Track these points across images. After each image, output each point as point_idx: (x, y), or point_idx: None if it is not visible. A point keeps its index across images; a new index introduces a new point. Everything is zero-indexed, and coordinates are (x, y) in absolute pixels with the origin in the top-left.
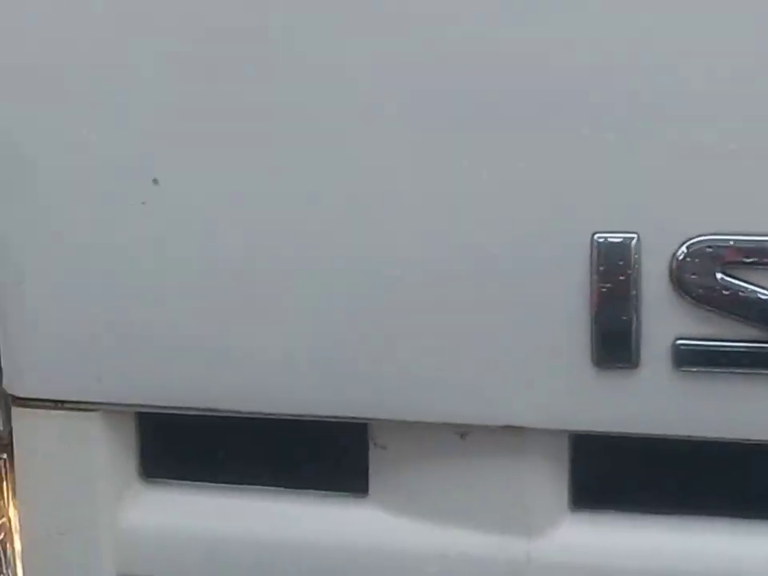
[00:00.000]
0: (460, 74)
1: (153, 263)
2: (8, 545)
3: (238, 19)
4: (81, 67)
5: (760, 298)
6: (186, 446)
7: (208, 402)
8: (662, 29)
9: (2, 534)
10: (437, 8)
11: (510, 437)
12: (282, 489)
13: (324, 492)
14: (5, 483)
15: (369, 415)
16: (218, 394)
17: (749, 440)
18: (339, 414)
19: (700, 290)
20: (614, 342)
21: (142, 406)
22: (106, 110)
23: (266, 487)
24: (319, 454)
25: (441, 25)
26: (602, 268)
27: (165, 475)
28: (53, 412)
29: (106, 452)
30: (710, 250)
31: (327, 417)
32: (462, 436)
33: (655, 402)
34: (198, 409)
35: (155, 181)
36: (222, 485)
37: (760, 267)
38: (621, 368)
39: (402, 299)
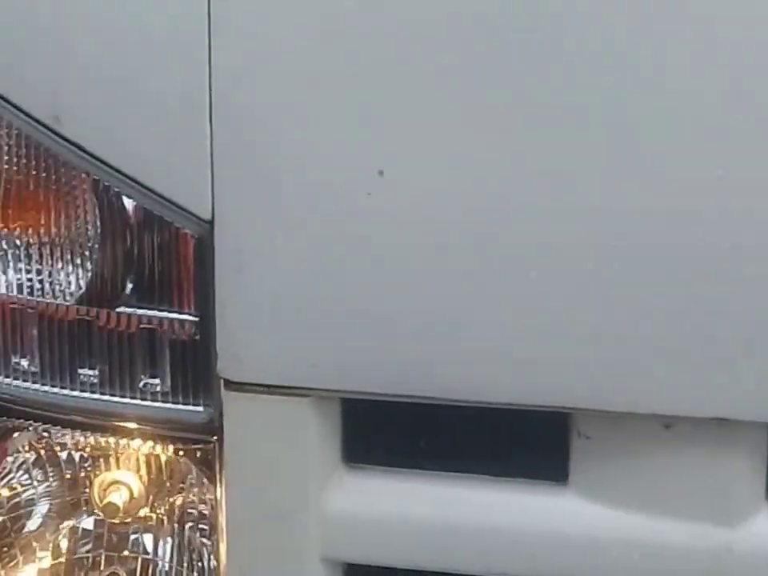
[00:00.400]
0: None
1: (372, 252)
2: (215, 528)
3: (465, 9)
4: (312, 70)
5: None
6: (387, 431)
7: (415, 390)
8: None
9: (209, 517)
10: None
11: (715, 428)
12: (483, 476)
13: (523, 480)
14: (215, 467)
15: (574, 405)
16: (425, 382)
17: None
18: (545, 403)
19: None
20: None
21: (354, 392)
22: (333, 107)
23: (467, 474)
24: (519, 441)
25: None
26: None
27: (367, 461)
28: (265, 397)
29: (314, 437)
30: None
31: (532, 406)
32: (667, 427)
33: None
34: (406, 396)
35: (380, 172)
36: (423, 471)
37: None
38: None
39: (613, 291)
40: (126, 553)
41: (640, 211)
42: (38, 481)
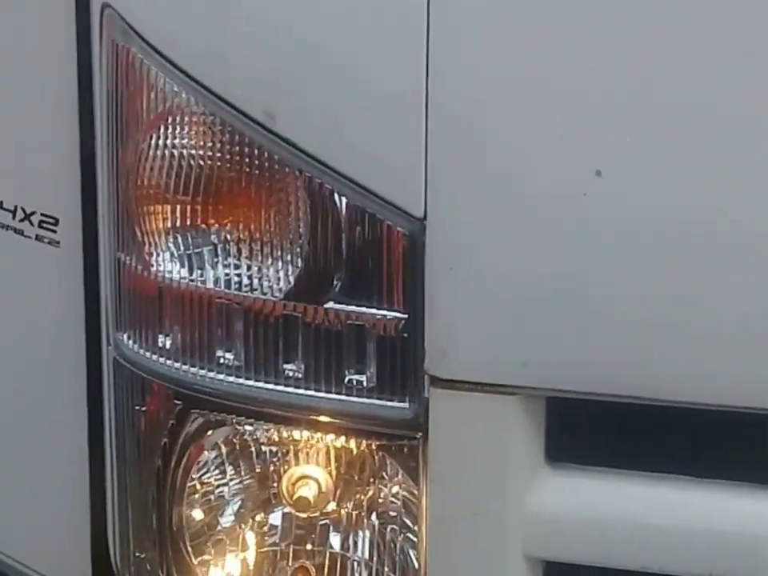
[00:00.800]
0: None
1: (586, 252)
2: (415, 524)
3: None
4: (529, 70)
5: None
6: (590, 431)
7: (623, 390)
8: None
9: (408, 513)
10: None
11: None
12: (686, 477)
13: (727, 481)
14: (418, 463)
15: None
16: (633, 383)
17: None
18: (755, 405)
19: None
20: None
21: (562, 391)
22: (550, 107)
23: (670, 475)
24: (724, 443)
25: None
26: None
27: (569, 459)
28: (472, 394)
29: (520, 436)
30: None
31: (741, 408)
32: None
33: None
34: (613, 396)
35: (598, 172)
36: (626, 471)
37: None
38: None
39: None
40: (318, 547)
41: None
42: (231, 476)
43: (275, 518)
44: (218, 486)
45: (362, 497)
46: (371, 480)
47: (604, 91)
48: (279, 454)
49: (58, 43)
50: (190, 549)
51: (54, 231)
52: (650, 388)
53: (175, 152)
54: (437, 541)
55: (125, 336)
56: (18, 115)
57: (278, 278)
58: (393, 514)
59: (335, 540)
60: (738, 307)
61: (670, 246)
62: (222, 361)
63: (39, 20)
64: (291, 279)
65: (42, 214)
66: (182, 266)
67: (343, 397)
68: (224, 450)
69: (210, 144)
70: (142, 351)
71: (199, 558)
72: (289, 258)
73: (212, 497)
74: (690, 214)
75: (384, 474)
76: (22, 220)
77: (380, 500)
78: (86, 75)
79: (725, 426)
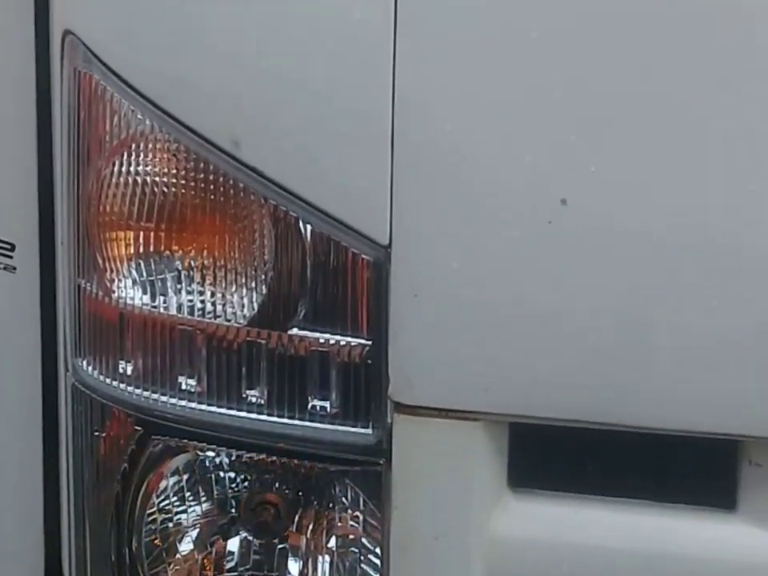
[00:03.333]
0: None
1: (550, 280)
2: (378, 548)
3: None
4: (494, 98)
5: None
6: (553, 456)
7: (585, 416)
8: None
9: (370, 538)
10: None
11: None
12: (649, 502)
13: (690, 506)
14: (381, 488)
15: (746, 433)
16: (594, 409)
17: None
18: (716, 431)
19: None
20: None
21: (525, 417)
22: (514, 136)
23: (633, 500)
24: (686, 468)
25: None
26: None
27: (532, 485)
28: (435, 420)
29: (483, 461)
30: None
31: (703, 434)
32: None
33: None
34: (575, 422)
35: (563, 201)
36: (588, 496)
37: None
38: None
39: None
40: (273, 572)
41: None
42: (190, 502)
43: (233, 544)
44: (177, 513)
45: (323, 522)
46: (332, 505)
47: (568, 120)
48: (239, 480)
49: (16, 67)
50: (147, 575)
51: (11, 257)
52: (611, 414)
53: (138, 179)
54: (399, 565)
55: (84, 362)
56: None
57: (242, 305)
58: (353, 538)
59: (294, 566)
60: (700, 333)
61: (633, 273)
62: (183, 387)
63: None
64: (255, 305)
65: None
66: (144, 292)
67: (306, 423)
68: (184, 476)
69: (174, 171)
70: (101, 377)
71: None
72: (253, 284)
73: (171, 524)
74: (654, 241)
75: (345, 499)
76: None
77: (340, 525)
78: (45, 100)
79: (686, 451)
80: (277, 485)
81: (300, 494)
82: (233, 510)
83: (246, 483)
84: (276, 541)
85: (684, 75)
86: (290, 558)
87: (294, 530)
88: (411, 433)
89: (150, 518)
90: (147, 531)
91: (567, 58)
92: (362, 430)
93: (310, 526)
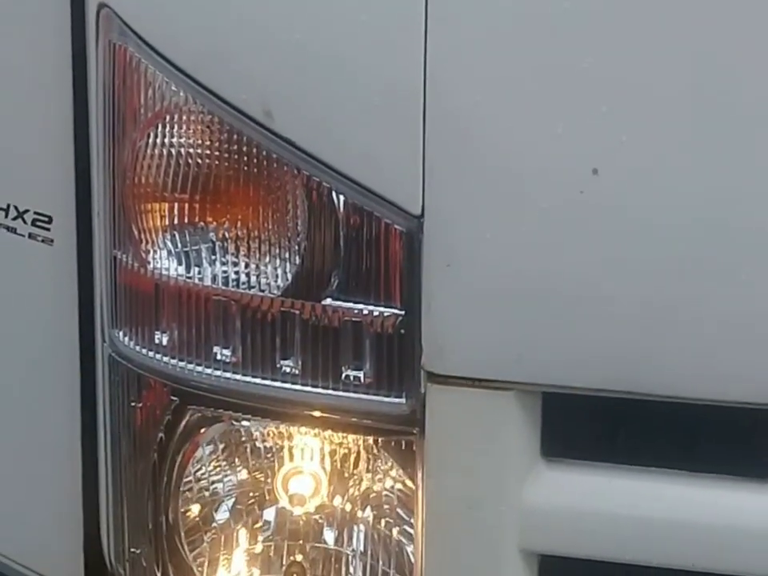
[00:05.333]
0: None
1: (581, 249)
2: (412, 518)
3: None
4: (528, 66)
5: None
6: (586, 426)
7: (619, 386)
8: None
9: (405, 507)
10: None
11: None
12: (681, 471)
13: (725, 476)
14: (415, 458)
15: None
16: (629, 378)
17: None
18: (750, 400)
19: None
20: None
21: (557, 386)
22: (548, 104)
23: (665, 469)
24: (720, 437)
25: None
26: None
27: (565, 454)
28: (468, 390)
29: (516, 431)
30: None
31: (738, 403)
32: None
33: None
34: (609, 391)
35: (594, 171)
36: (621, 466)
37: None
38: None
39: None
40: (313, 542)
41: None
42: (226, 472)
43: (270, 514)
44: (214, 482)
45: (357, 492)
46: (367, 475)
47: (599, 90)
48: (275, 450)
49: (52, 41)
50: (185, 544)
51: (48, 229)
52: (644, 383)
53: (173, 150)
54: (433, 534)
55: (120, 333)
56: (10, 113)
57: (276, 275)
58: (388, 508)
59: (329, 535)
60: (733, 305)
61: (666, 244)
62: (218, 357)
63: (33, 18)
64: (289, 276)
65: (35, 212)
66: (180, 263)
67: (340, 393)
68: (220, 446)
69: (207, 142)
70: (138, 348)
71: (194, 553)
72: (286, 255)
73: (207, 492)
74: (686, 212)
75: (380, 468)
76: (15, 218)
77: (375, 495)
78: (81, 73)
79: (719, 421)
80: (312, 454)
81: (336, 463)
82: (269, 480)
83: (281, 453)
84: (313, 510)
85: (716, 45)
86: (325, 528)
87: (329, 500)
88: (444, 402)
89: (187, 488)
90: (184, 500)
91: (597, 26)
92: (396, 400)
93: (346, 496)
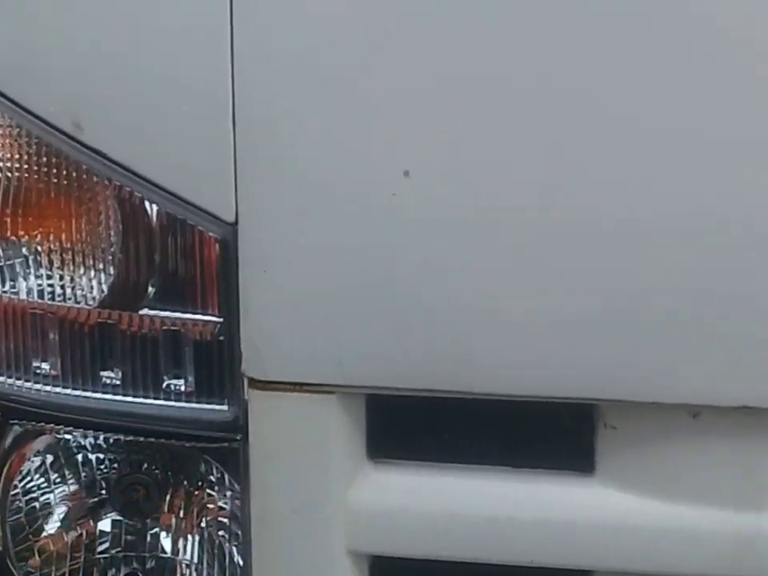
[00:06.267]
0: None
1: (394, 251)
2: (240, 525)
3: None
4: (336, 71)
5: None
6: (411, 426)
7: (439, 385)
8: None
9: (233, 514)
10: None
11: (744, 417)
12: (507, 468)
13: (549, 471)
14: (240, 464)
15: (601, 396)
16: (449, 377)
17: None
18: (571, 395)
19: None
20: None
21: (378, 388)
22: (357, 108)
23: (491, 466)
24: (545, 433)
25: None
26: None
27: (391, 455)
28: (290, 394)
29: (340, 434)
30: None
31: (558, 398)
32: (694, 416)
33: None
34: (430, 391)
35: (406, 173)
36: (448, 465)
37: None
38: None
39: (637, 279)
40: (145, 552)
41: (643, 196)
42: (56, 484)
43: (105, 525)
44: (43, 494)
45: (191, 500)
46: (199, 483)
47: (407, 93)
48: (106, 461)
49: None
50: (14, 556)
51: None
52: (463, 381)
53: None
54: (260, 540)
55: None
56: None
57: (92, 287)
58: (218, 515)
59: (167, 545)
60: (545, 300)
61: (478, 242)
62: (39, 371)
63: None
64: (105, 287)
65: None
66: None
67: (162, 402)
68: (48, 458)
69: (17, 156)
70: None
71: (24, 565)
72: (101, 266)
73: (37, 504)
74: (498, 211)
75: (210, 477)
76: None
77: (207, 502)
78: None
79: (543, 416)
80: (145, 465)
81: (168, 473)
82: (102, 491)
83: (114, 464)
84: (148, 521)
85: (510, 44)
86: (162, 538)
87: (165, 510)
88: (266, 408)
89: (14, 500)
90: (11, 512)
91: (400, 29)
92: (218, 407)
93: (180, 505)
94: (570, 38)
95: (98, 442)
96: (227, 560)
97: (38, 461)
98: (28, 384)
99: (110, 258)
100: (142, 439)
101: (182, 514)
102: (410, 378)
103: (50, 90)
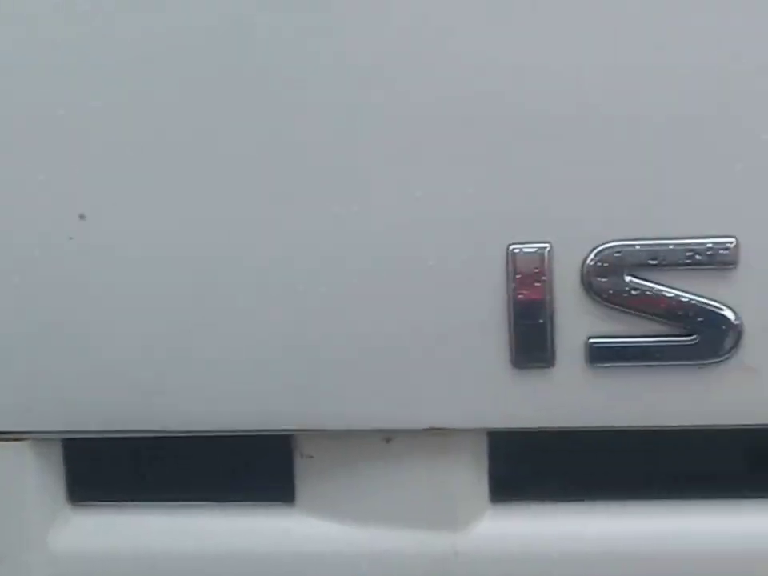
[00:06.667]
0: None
1: (74, 293)
2: None
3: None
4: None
5: (665, 296)
6: (111, 468)
7: (135, 425)
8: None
9: None
10: None
11: (434, 438)
12: (210, 503)
13: (250, 503)
14: None
15: (293, 426)
16: (144, 416)
17: (659, 426)
18: (264, 427)
19: (610, 292)
20: (530, 344)
21: (70, 432)
22: (36, 153)
23: (193, 503)
24: (243, 466)
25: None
26: (518, 276)
27: (92, 498)
28: None
29: (36, 479)
30: (618, 254)
31: (252, 431)
32: (387, 440)
33: (570, 397)
34: (125, 431)
35: (82, 216)
36: (149, 504)
37: (664, 268)
38: (538, 367)
39: (322, 308)
40: None
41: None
42: None
43: None
44: None
45: None
46: None
47: (86, 129)
48: None
49: None
50: None
51: None
52: (157, 420)
53: None
54: None
55: None
56: None
57: None
58: None
59: None
60: (233, 337)
61: (159, 281)
62: None
63: None
64: None
65: None
66: None
67: None
68: None
69: None
70: None
71: None
72: None
73: None
74: (171, 249)
75: None
76: None
77: None
78: None
79: (244, 449)
80: None
81: None
82: None
83: None
84: None
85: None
86: None
87: None
88: None
89: None
90: None
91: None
92: None
93: None
94: None
95: None
96: None
97: None
98: None
99: None
100: None
101: None
102: (103, 420)
103: None
